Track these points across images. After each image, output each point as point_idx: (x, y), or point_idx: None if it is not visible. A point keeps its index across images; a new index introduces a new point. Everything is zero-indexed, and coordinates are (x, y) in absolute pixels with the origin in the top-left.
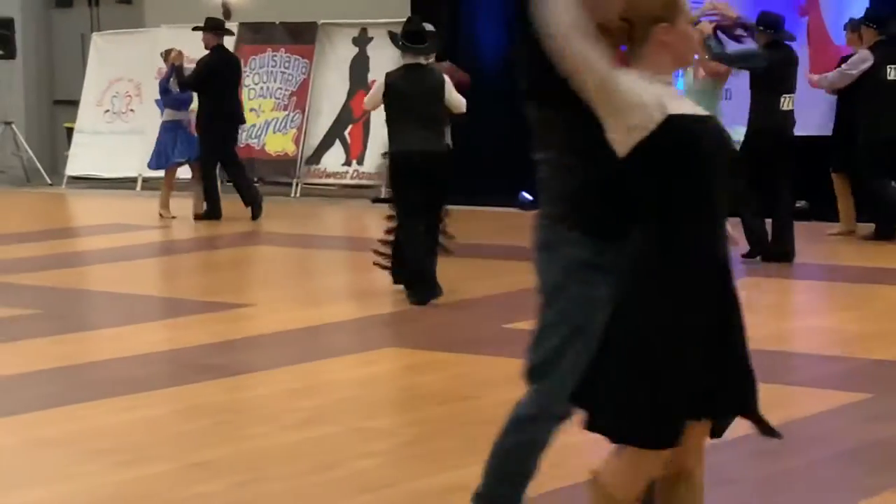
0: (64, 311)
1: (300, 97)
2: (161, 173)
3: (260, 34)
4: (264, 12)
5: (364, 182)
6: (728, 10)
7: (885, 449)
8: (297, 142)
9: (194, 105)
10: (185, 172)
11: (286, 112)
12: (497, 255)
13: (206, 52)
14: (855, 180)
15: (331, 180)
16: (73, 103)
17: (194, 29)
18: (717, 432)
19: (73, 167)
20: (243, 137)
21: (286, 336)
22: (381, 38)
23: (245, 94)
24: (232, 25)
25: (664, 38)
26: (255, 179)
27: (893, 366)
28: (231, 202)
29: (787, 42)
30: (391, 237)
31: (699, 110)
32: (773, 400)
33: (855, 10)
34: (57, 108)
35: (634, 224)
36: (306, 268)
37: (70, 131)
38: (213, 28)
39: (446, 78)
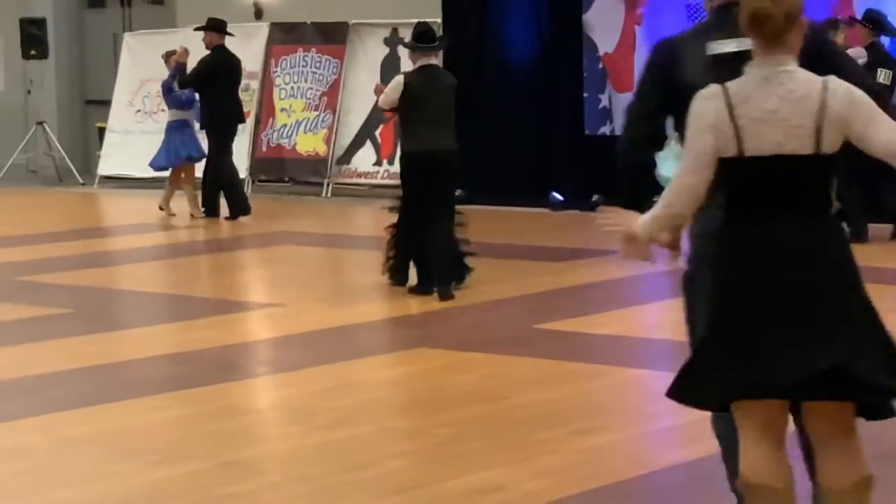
0: (96, 311)
1: (331, 97)
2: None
3: (291, 34)
4: (295, 12)
5: (395, 182)
6: None
7: None
8: (327, 142)
9: None
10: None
11: (317, 112)
12: (527, 256)
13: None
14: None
15: (361, 180)
16: (105, 103)
17: (196, 29)
18: (871, 414)
19: (105, 167)
20: (274, 137)
21: (317, 336)
22: None
23: (276, 94)
24: (263, 25)
25: (803, 28)
26: (286, 179)
27: None
28: (262, 200)
29: None
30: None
31: None
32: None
33: (888, 10)
34: (89, 108)
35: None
36: (337, 267)
37: (102, 131)
38: (215, 28)
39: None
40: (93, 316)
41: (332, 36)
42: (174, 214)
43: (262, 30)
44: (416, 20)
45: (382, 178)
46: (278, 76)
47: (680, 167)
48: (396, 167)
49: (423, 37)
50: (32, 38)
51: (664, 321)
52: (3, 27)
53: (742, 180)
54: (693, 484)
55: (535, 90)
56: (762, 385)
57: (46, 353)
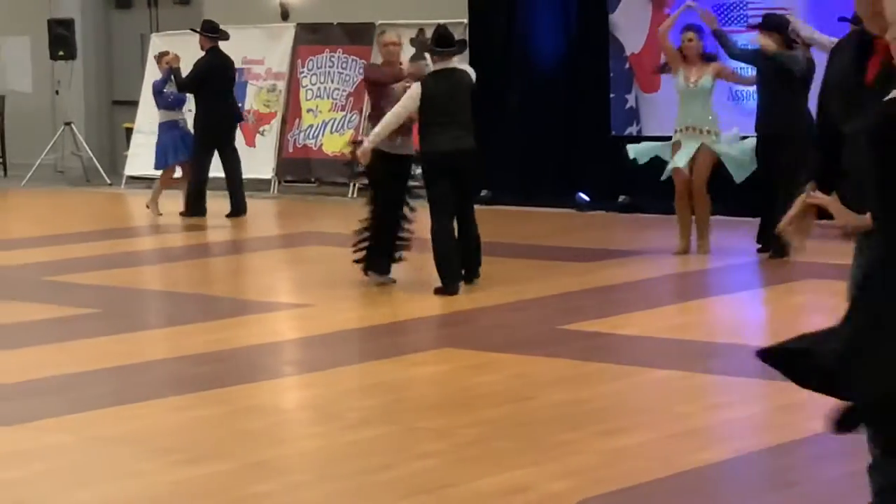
0: (123, 311)
1: (357, 98)
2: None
3: (317, 35)
4: (322, 13)
5: (421, 183)
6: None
7: None
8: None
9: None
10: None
11: (343, 113)
12: (553, 256)
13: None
14: None
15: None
16: (132, 104)
17: (193, 30)
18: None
19: (132, 167)
20: (301, 138)
21: (343, 336)
22: None
23: (302, 95)
24: (289, 26)
25: None
26: (313, 180)
27: None
28: (288, 201)
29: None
30: (365, 225)
31: None
32: (829, 403)
33: None
34: (116, 109)
35: None
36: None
37: (129, 131)
38: (209, 31)
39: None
40: (120, 316)
41: (358, 36)
42: (161, 214)
43: (289, 30)
44: (442, 21)
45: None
46: (305, 77)
47: None
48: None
49: (441, 40)
50: (60, 38)
51: (690, 322)
52: (31, 28)
53: None
54: (718, 485)
55: (562, 90)
56: None
57: (73, 353)
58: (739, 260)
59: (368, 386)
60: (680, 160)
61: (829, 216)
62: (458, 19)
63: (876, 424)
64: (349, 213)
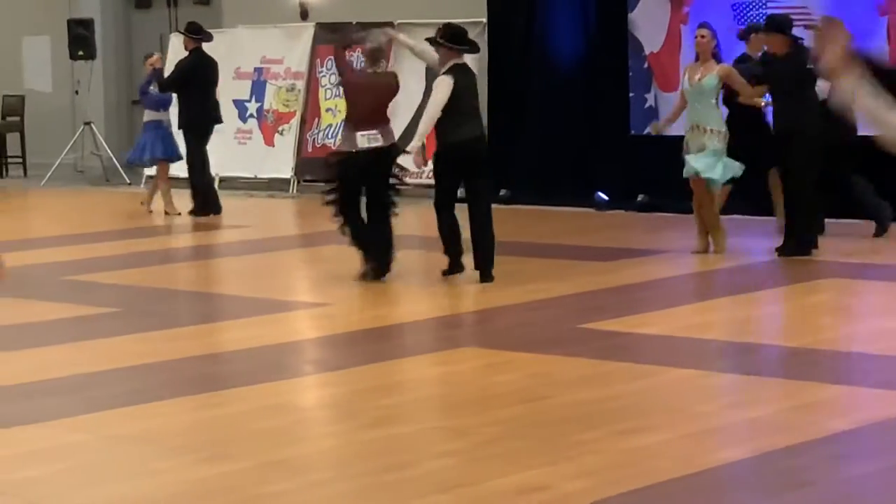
0: (143, 310)
1: None
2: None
3: (336, 34)
4: (341, 12)
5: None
6: None
7: None
8: None
9: None
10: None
11: None
12: (572, 256)
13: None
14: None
15: (406, 180)
16: None
17: (178, 31)
18: None
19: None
20: (320, 137)
21: (362, 335)
22: None
23: (321, 94)
24: (309, 26)
25: None
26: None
27: None
28: (307, 200)
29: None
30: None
31: None
32: (847, 402)
33: None
34: (135, 109)
35: None
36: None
37: None
38: (192, 32)
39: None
40: (138, 315)
41: None
42: (151, 211)
43: (308, 30)
44: (461, 20)
45: (427, 177)
46: (324, 76)
47: None
48: None
49: (456, 38)
50: (80, 38)
51: (710, 321)
52: (51, 28)
53: None
54: (736, 485)
55: (581, 90)
56: None
57: (93, 352)
58: (757, 259)
59: (386, 385)
60: (692, 167)
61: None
62: (476, 18)
63: None
64: None
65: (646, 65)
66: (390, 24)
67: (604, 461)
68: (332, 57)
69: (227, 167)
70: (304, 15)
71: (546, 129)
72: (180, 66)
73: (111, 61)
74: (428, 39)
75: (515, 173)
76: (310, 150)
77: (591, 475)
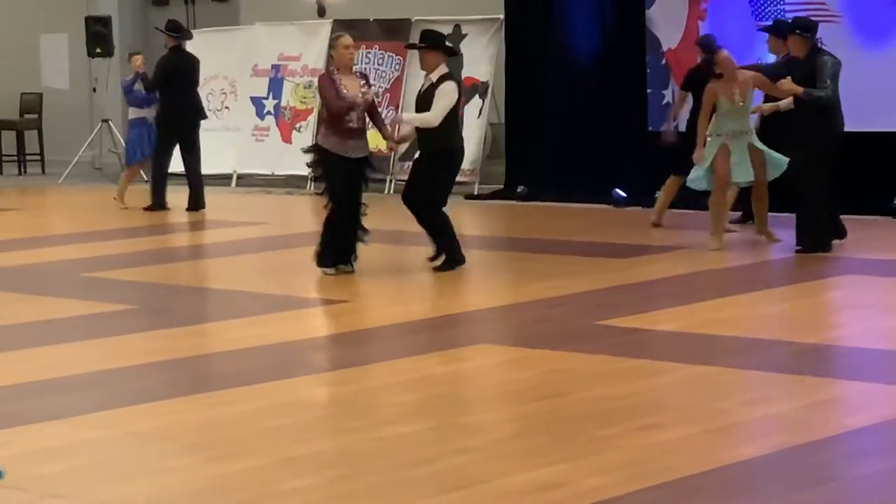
0: (160, 307)
1: (394, 94)
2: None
3: (353, 31)
4: (358, 9)
5: (458, 179)
6: None
7: None
8: None
9: None
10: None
11: (379, 109)
12: (590, 252)
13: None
14: None
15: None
16: None
17: (157, 29)
18: None
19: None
20: None
21: (381, 332)
22: (475, 36)
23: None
24: (326, 23)
25: None
26: None
27: None
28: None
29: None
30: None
31: None
32: (864, 399)
33: None
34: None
35: None
36: (400, 264)
37: None
38: (172, 31)
39: None
40: (156, 312)
41: (394, 33)
42: (126, 207)
43: (325, 27)
44: (478, 17)
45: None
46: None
47: None
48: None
49: (444, 43)
50: (98, 36)
51: (728, 317)
52: (68, 25)
53: None
54: (754, 481)
55: (598, 86)
56: None
57: (110, 349)
58: (776, 256)
59: (404, 382)
60: (740, 175)
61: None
62: (494, 15)
63: None
64: (386, 209)
65: (663, 61)
66: (407, 21)
67: (621, 458)
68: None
69: (245, 164)
70: (322, 12)
71: (563, 126)
72: (160, 64)
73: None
74: (411, 45)
75: (533, 170)
76: None
77: (608, 472)
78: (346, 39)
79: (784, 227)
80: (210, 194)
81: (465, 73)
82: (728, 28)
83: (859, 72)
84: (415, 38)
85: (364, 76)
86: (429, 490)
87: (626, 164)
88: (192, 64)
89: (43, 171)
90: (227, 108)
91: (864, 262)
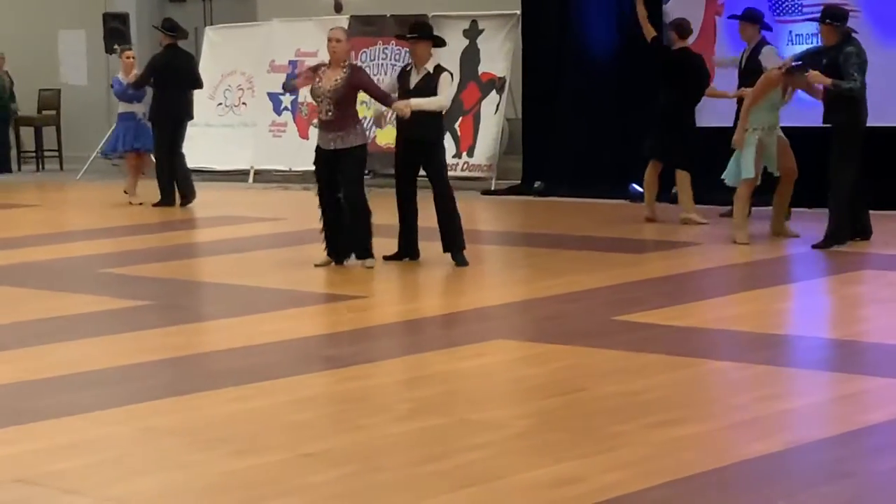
0: (178, 302)
1: None
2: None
3: (371, 27)
4: (375, 5)
5: (474, 174)
6: None
7: None
8: None
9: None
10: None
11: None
12: (606, 248)
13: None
14: None
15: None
16: None
17: (154, 27)
18: None
19: (187, 160)
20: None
21: (396, 327)
22: (492, 31)
23: None
24: (343, 18)
25: None
26: (367, 172)
27: None
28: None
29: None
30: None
31: None
32: (886, 394)
33: None
34: None
35: None
36: (416, 259)
37: None
38: (168, 29)
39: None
40: (174, 307)
41: None
42: (141, 203)
43: (342, 23)
44: (495, 12)
45: (462, 170)
46: None
47: None
48: (476, 159)
49: (433, 34)
50: (115, 32)
51: (745, 312)
52: (86, 22)
53: None
54: (773, 477)
55: (615, 82)
56: None
57: (128, 345)
58: (795, 250)
59: (420, 377)
60: (773, 166)
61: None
62: (511, 10)
63: None
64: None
65: None
66: (424, 17)
67: (638, 453)
68: (366, 50)
69: (262, 160)
70: (339, 8)
71: (580, 121)
72: (151, 62)
73: (146, 55)
74: (400, 36)
75: (549, 165)
76: None
77: (625, 467)
78: (333, 32)
79: (800, 222)
80: (227, 190)
81: (481, 69)
82: None
83: (877, 67)
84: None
85: (353, 67)
86: (444, 486)
87: (643, 160)
88: (186, 62)
89: (61, 168)
90: (244, 103)
91: (886, 258)
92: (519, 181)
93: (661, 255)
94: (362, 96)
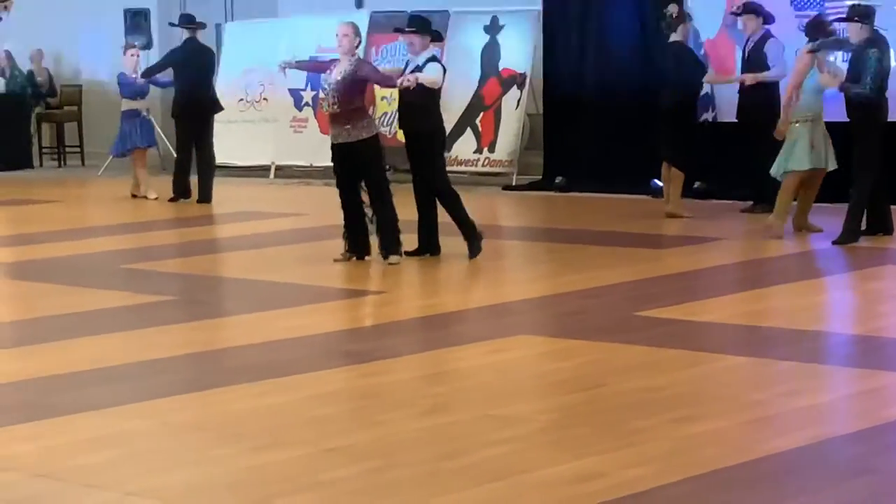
0: (200, 298)
1: None
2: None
3: (391, 22)
4: (395, 1)
5: (495, 170)
6: None
7: None
8: None
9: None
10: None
11: None
12: (628, 243)
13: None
14: None
15: (462, 168)
16: None
17: (171, 24)
18: None
19: None
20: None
21: (418, 323)
22: (512, 26)
23: None
24: (363, 14)
25: None
26: (387, 167)
27: None
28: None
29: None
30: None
31: None
32: None
33: None
34: None
35: None
36: (437, 255)
37: None
38: (185, 23)
39: None
40: (196, 303)
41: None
42: (157, 197)
43: (363, 19)
44: (515, 8)
45: (483, 165)
46: (378, 65)
47: None
48: (497, 155)
49: (432, 28)
50: (136, 28)
51: (766, 308)
52: (107, 17)
53: None
54: (793, 473)
55: (637, 77)
56: None
57: (150, 340)
58: (815, 246)
59: (441, 373)
60: (832, 162)
61: None
62: (531, 6)
63: None
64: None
65: (702, 52)
66: (445, 13)
67: (661, 449)
68: (386, 46)
69: (283, 155)
70: (359, 4)
71: (601, 117)
72: (168, 54)
73: (167, 50)
74: (398, 29)
75: (571, 161)
76: None
77: (648, 463)
78: (341, 28)
79: (821, 217)
80: (248, 186)
81: (502, 65)
82: (767, 19)
83: None
84: (453, 30)
85: (359, 60)
86: (467, 481)
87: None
88: (205, 55)
89: (83, 163)
90: (265, 99)
91: None
92: (540, 177)
93: (683, 250)
94: (383, 92)
